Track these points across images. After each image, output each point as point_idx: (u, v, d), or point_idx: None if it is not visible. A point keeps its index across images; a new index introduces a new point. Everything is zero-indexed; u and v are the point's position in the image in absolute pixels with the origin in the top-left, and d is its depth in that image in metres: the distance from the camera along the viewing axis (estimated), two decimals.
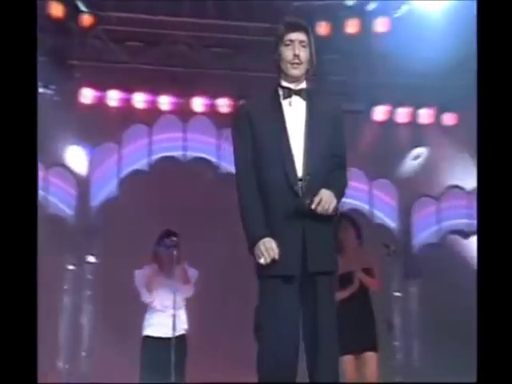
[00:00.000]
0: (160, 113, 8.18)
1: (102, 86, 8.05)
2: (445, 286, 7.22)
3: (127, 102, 8.16)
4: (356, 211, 7.87)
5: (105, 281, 7.29)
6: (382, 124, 8.61)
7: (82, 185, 7.72)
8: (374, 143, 8.28)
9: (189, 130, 8.06)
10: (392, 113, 8.71)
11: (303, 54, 3.38)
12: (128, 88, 8.11)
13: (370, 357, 5.73)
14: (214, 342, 7.41)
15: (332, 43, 8.26)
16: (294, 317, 3.30)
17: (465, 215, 7.89)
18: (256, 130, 3.37)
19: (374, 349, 5.75)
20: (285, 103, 3.41)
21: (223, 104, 8.47)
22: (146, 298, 5.95)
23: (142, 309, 6.08)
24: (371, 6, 8.09)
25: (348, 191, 7.61)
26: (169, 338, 5.76)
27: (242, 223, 3.39)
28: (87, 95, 8.05)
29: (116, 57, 8.11)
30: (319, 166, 3.33)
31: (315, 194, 3.21)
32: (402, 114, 8.77)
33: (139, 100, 8.19)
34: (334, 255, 3.45)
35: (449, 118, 8.93)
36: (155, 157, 7.99)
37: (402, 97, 8.58)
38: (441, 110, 8.75)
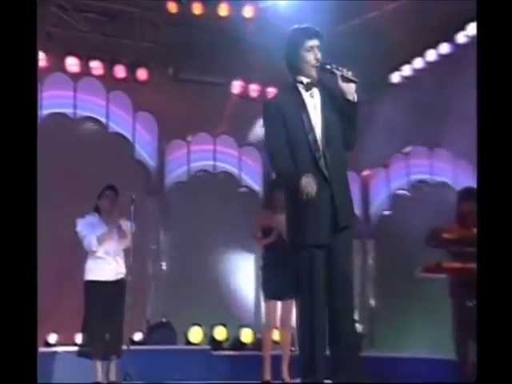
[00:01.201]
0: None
1: None
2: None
3: None
4: (227, 174, 9.20)
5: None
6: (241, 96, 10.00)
7: None
8: (240, 114, 9.58)
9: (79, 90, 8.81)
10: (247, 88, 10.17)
11: (319, 56, 4.02)
12: None
13: (289, 302, 6.37)
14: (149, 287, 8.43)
15: (204, 23, 9.54)
16: (324, 279, 3.93)
17: None
18: (286, 119, 3.97)
19: (291, 296, 6.21)
20: (306, 95, 4.04)
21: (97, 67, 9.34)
22: (93, 246, 6.30)
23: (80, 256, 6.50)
24: None
25: (221, 156, 8.94)
26: (109, 282, 6.31)
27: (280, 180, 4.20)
28: None
29: None
30: (334, 139, 3.99)
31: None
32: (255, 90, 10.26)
33: None
34: (354, 213, 4.18)
35: None
36: (46, 112, 8.56)
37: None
38: None
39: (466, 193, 6.82)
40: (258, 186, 9.28)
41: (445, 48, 10.14)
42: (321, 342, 3.94)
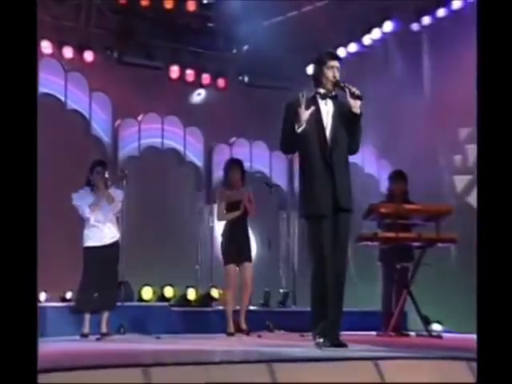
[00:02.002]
0: None
1: None
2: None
3: None
4: (175, 150, 10.27)
5: None
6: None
7: None
8: (181, 96, 10.67)
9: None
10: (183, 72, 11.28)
11: (337, 75, 5.12)
12: None
13: (248, 266, 7.65)
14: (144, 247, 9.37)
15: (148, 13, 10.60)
16: (329, 244, 4.94)
17: None
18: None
19: (249, 260, 7.69)
20: (322, 103, 5.11)
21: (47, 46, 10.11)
22: (86, 214, 7.20)
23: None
24: None
25: (168, 134, 9.97)
26: (102, 246, 7.20)
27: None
28: None
29: None
30: (341, 140, 5.08)
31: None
32: (191, 75, 11.37)
33: None
34: (351, 199, 5.13)
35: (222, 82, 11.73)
36: None
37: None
38: (215, 75, 11.51)
39: (395, 175, 8.33)
40: (199, 162, 10.42)
41: (353, 47, 11.65)
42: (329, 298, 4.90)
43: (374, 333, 7.75)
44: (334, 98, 5.18)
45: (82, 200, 7.29)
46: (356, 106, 5.01)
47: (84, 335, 7.14)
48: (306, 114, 4.95)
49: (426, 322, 7.62)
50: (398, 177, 8.21)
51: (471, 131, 11.66)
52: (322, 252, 4.94)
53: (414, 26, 11.24)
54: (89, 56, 10.42)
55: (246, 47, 11.70)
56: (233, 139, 10.72)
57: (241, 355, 4.48)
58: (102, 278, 7.18)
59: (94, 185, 7.36)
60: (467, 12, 10.79)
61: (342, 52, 11.85)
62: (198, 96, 11.09)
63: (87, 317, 7.24)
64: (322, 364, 3.81)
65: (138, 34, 10.86)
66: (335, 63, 5.15)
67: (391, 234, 7.47)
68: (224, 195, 7.79)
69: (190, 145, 10.35)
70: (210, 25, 11.38)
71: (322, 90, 5.17)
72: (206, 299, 9.62)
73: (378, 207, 7.59)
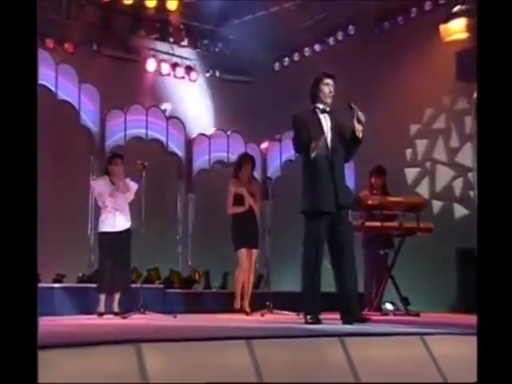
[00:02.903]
0: None
1: None
2: None
3: None
4: (157, 140, 10.84)
5: None
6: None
7: None
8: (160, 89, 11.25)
9: None
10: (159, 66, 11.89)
11: (332, 90, 5.90)
12: None
13: (254, 252, 8.67)
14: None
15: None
16: (324, 238, 5.75)
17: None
18: (308, 129, 5.74)
19: (257, 247, 8.72)
20: (321, 116, 5.85)
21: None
22: (105, 201, 7.82)
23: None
24: None
25: (152, 125, 10.59)
26: (117, 232, 7.85)
27: None
28: None
29: None
30: (339, 149, 5.82)
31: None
32: (166, 68, 11.99)
33: None
34: (350, 197, 6.18)
35: (194, 75, 12.37)
36: None
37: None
38: (189, 69, 12.13)
39: (375, 170, 9.23)
40: (180, 152, 11.02)
41: (318, 47, 12.51)
42: (319, 284, 5.73)
43: None
44: (330, 113, 5.92)
45: (101, 188, 7.87)
46: (359, 130, 5.75)
47: (100, 314, 7.73)
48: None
49: (406, 302, 8.51)
50: (378, 172, 9.12)
51: (420, 127, 12.80)
52: (317, 243, 5.72)
53: (375, 31, 12.20)
54: (69, 48, 10.92)
55: (219, 44, 12.36)
56: (211, 131, 11.36)
57: (280, 331, 5.06)
58: (116, 261, 7.84)
59: (112, 175, 7.98)
60: (423, 19, 11.87)
61: (307, 52, 12.72)
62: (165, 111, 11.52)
63: (102, 297, 7.83)
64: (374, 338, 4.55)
65: (117, 28, 11.37)
66: (330, 81, 5.91)
67: (377, 224, 8.34)
68: (234, 187, 8.51)
69: (172, 136, 10.91)
70: (186, 22, 11.99)
71: (320, 106, 5.91)
72: (188, 282, 10.30)
73: (366, 199, 8.44)
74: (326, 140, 5.79)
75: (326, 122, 5.88)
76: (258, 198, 8.73)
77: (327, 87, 5.90)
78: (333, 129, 5.86)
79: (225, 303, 8.94)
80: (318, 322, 5.60)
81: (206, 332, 4.85)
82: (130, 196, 8.06)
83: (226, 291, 10.00)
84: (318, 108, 5.92)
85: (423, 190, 12.51)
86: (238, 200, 8.57)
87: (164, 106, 11.53)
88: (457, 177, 12.32)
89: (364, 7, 11.84)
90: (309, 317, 5.64)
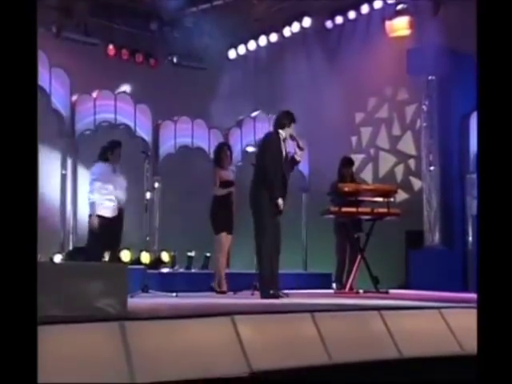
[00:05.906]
0: None
1: None
2: None
3: None
4: (125, 125, 11.08)
5: None
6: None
7: None
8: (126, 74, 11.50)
9: None
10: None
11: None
12: None
13: (231, 237, 9.14)
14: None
15: None
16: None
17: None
18: (277, 151, 7.40)
19: (232, 232, 9.14)
20: (282, 141, 7.47)
21: None
22: (106, 186, 8.30)
23: None
24: None
25: (120, 110, 10.86)
26: (112, 217, 8.41)
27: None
28: None
29: None
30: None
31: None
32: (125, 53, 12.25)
33: None
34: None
35: (153, 61, 12.67)
36: None
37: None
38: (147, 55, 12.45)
39: (344, 161, 9.93)
40: (147, 137, 11.30)
41: (274, 37, 13.07)
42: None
43: (331, 291, 9.30)
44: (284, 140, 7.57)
45: (102, 174, 8.27)
46: (299, 154, 7.61)
47: None
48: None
49: (376, 281, 9.22)
50: (347, 162, 9.83)
51: (364, 116, 13.60)
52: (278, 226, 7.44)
53: (328, 24, 12.86)
54: None
55: (176, 31, 12.67)
56: (176, 117, 11.68)
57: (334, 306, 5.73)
58: (109, 243, 8.40)
59: (112, 161, 8.51)
60: (373, 16, 12.64)
61: (262, 41, 13.22)
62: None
63: None
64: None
65: (76, 11, 11.51)
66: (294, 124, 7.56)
67: (353, 209, 9.01)
68: (218, 174, 8.93)
69: (139, 121, 11.18)
70: (145, 8, 12.24)
71: (282, 133, 7.52)
72: (157, 262, 10.67)
73: (342, 187, 9.09)
74: (283, 158, 7.55)
75: (284, 146, 7.57)
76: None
77: (291, 128, 7.66)
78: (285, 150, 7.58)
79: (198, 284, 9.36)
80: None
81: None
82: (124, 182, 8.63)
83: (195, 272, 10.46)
84: (281, 135, 7.54)
85: (367, 175, 13.33)
86: (222, 186, 8.99)
87: (123, 87, 11.83)
88: (398, 163, 13.21)
89: (319, 2, 12.47)
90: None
